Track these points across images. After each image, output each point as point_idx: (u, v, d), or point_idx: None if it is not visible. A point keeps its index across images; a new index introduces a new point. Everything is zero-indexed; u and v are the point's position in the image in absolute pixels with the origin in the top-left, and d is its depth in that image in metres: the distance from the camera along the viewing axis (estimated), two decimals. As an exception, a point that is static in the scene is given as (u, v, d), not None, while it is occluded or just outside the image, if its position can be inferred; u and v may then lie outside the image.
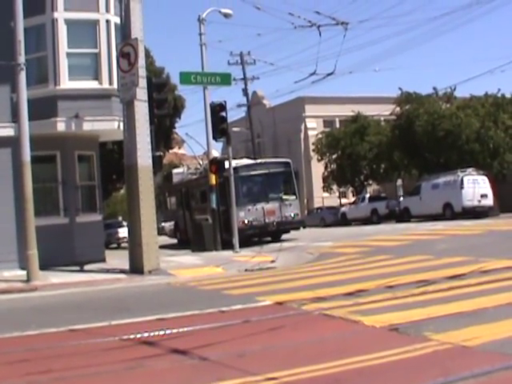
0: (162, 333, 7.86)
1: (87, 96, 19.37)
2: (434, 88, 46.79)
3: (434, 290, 9.50)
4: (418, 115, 43.53)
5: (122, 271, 16.96)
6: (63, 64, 19.29)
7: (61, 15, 19.33)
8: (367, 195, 47.90)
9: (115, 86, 18.12)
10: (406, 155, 45.55)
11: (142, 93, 16.88)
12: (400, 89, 47.45)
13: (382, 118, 53.24)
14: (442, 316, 7.47)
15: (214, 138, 23.90)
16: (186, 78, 23.65)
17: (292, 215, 27.58)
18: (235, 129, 49.58)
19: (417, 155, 43.80)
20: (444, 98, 46.02)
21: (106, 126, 19.82)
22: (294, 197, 28.02)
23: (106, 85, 19.65)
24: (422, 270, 12.01)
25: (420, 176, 43.28)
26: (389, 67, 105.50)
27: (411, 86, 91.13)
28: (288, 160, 30.02)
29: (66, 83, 19.34)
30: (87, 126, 19.55)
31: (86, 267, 18.64)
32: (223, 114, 23.12)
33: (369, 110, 54.67)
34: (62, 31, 19.30)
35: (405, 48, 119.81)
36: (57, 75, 19.26)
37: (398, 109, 46.94)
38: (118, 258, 20.93)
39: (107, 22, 19.90)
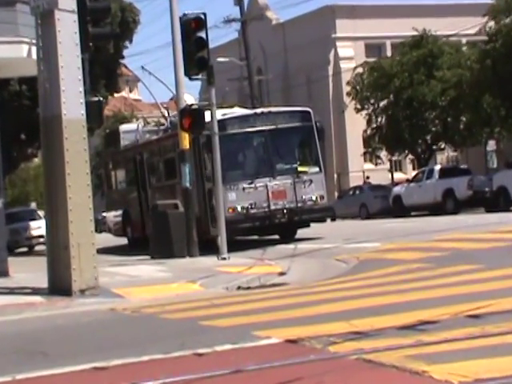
0: (99, 391, 7.83)
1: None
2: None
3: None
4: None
5: (37, 291, 17.01)
6: None
7: None
8: (437, 167, 47.98)
9: (23, -14, 18.04)
10: (503, 101, 45.41)
11: (67, -2, 16.79)
12: (496, -10, 47.35)
13: (464, 40, 53.13)
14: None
15: (188, 74, 23.86)
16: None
17: (313, 199, 27.62)
18: (221, 59, 49.62)
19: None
20: None
21: (9, 52, 19.77)
22: (316, 169, 28.08)
23: (7, -16, 19.60)
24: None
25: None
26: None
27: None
28: (307, 109, 30.03)
29: None
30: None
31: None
32: (202, 34, 23.04)
33: (441, 27, 54.38)
34: None
35: None
36: None
37: (491, 24, 46.59)
38: (30, 270, 20.92)
39: None
